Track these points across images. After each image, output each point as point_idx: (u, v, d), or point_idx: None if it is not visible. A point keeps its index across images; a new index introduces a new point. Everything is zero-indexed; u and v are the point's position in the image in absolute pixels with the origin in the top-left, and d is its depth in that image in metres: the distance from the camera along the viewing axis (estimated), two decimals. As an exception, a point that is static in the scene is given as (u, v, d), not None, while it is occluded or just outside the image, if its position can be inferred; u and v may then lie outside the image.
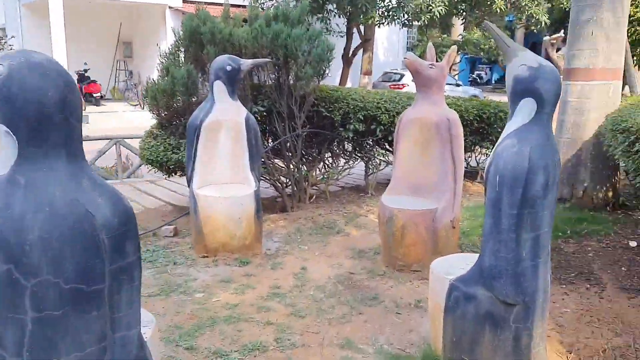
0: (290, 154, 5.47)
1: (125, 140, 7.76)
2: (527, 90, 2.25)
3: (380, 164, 6.48)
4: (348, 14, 15.17)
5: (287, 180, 5.66)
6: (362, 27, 16.93)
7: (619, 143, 3.53)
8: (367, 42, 17.52)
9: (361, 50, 17.78)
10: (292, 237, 4.60)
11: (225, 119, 4.01)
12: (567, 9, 27.05)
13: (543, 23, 14.67)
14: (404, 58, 3.72)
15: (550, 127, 2.30)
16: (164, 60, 5.05)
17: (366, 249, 4.35)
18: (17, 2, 19.59)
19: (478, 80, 38.37)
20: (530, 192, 2.21)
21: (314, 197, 5.94)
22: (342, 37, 17.07)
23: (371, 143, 6.33)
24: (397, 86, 18.15)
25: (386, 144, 6.44)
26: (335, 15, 15.98)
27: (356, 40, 17.34)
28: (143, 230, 4.55)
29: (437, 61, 3.89)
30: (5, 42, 21.32)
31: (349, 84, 19.35)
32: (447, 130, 3.68)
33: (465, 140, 7.03)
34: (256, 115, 5.24)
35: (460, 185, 3.72)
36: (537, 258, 2.29)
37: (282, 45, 4.94)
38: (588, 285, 3.57)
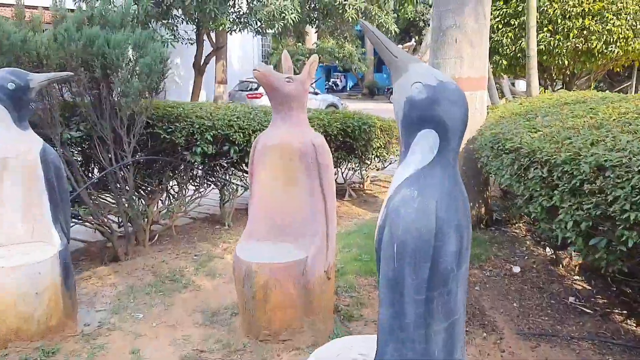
0: (120, 188, 4.38)
1: None
2: (425, 119, 1.56)
3: (237, 190, 5.62)
4: (196, 20, 14.07)
5: (120, 219, 4.56)
6: (213, 34, 15.92)
7: (506, 165, 3.06)
8: (219, 49, 16.54)
9: (214, 59, 16.75)
10: (122, 301, 3.54)
11: (9, 157, 2.86)
12: (412, 19, 28.51)
13: (393, 32, 14.90)
14: (254, 70, 2.91)
15: (457, 167, 1.63)
16: None
17: (222, 308, 3.46)
18: None
19: (334, 87, 39.25)
20: (441, 266, 1.52)
21: (157, 236, 4.89)
22: (192, 44, 15.91)
23: (225, 165, 5.44)
24: (254, 95, 17.41)
25: (243, 164, 5.59)
26: (183, 22, 14.79)
27: (208, 48, 16.29)
28: None
29: (295, 73, 3.14)
30: None
31: (202, 94, 18.22)
32: (314, 159, 2.93)
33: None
34: (70, 142, 4.10)
35: (333, 225, 3.00)
36: (453, 354, 1.61)
37: (99, 54, 3.86)
38: (485, 334, 3.05)
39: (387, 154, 7.04)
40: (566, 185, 2.35)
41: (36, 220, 2.99)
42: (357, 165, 6.86)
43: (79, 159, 4.54)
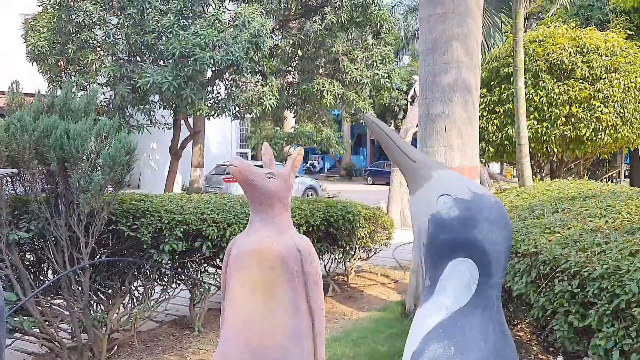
0: (74, 294, 3.83)
1: None
2: (457, 244, 1.16)
3: (209, 289, 5.07)
4: (174, 105, 13.98)
5: (72, 329, 3.97)
6: (190, 119, 15.81)
7: (519, 271, 2.67)
8: (196, 134, 16.39)
9: (191, 143, 16.55)
10: None
11: None
12: (387, 104, 29.20)
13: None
14: (229, 165, 2.53)
15: (501, 309, 1.21)
16: None
17: None
18: None
19: (312, 169, 39.46)
20: None
21: (116, 347, 4.27)
22: (169, 129, 15.75)
23: (198, 261, 4.93)
24: (231, 179, 17.10)
25: (217, 259, 5.09)
26: (160, 107, 14.68)
27: (185, 132, 16.12)
28: None
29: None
30: None
31: (178, 177, 17.84)
32: (299, 267, 2.49)
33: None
34: (19, 244, 3.59)
35: (322, 347, 2.51)
36: None
37: (56, 146, 3.46)
38: None
39: (372, 243, 6.63)
40: (606, 305, 1.95)
41: (-43, 348, 2.43)
42: (340, 256, 6.41)
43: (30, 259, 4.03)
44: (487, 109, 7.43)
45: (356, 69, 13.84)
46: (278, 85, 14.93)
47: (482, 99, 7.54)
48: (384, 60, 14.05)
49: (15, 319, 3.55)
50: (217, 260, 5.05)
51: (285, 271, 2.48)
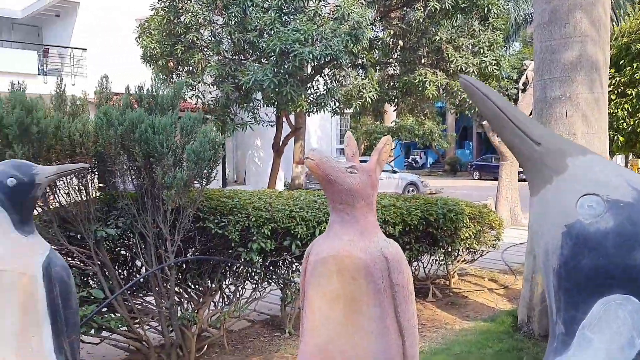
0: (161, 292, 3.74)
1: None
2: (614, 274, 0.73)
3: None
4: (275, 102, 14.07)
5: (159, 325, 3.89)
6: (292, 116, 15.89)
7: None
8: (298, 130, 16.45)
9: (293, 139, 16.66)
10: None
11: (3, 270, 2.29)
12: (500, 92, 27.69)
13: (477, 108, 14.07)
14: (306, 158, 2.21)
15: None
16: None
17: None
18: None
19: (414, 164, 38.49)
20: None
21: (206, 346, 4.16)
22: (272, 126, 15.94)
23: (290, 260, 4.72)
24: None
25: (309, 259, 4.83)
26: (262, 105, 14.89)
27: (287, 129, 16.24)
28: None
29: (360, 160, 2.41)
30: None
31: (281, 174, 18.08)
32: (386, 278, 2.12)
33: (410, 248, 5.63)
34: (107, 241, 3.55)
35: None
36: None
37: (141, 140, 3.37)
38: None
39: (477, 244, 6.04)
40: None
41: (32, 350, 2.35)
42: (441, 258, 5.90)
43: (124, 255, 4.02)
44: (616, 91, 6.48)
45: (461, 57, 13.03)
46: (378, 78, 14.54)
47: (610, 80, 6.61)
48: (492, 47, 13.10)
49: (104, 316, 3.52)
50: (309, 259, 4.80)
51: (370, 282, 2.11)
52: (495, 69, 13.10)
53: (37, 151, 3.10)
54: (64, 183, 3.35)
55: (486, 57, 12.96)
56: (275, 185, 16.53)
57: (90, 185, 3.45)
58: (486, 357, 3.98)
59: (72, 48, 16.51)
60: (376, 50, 14.91)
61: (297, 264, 4.86)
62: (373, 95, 13.46)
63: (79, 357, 2.52)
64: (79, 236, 3.52)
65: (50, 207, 3.38)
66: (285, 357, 4.09)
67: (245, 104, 14.56)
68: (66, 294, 2.43)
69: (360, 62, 14.62)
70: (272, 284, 4.74)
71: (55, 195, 3.40)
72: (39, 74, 15.40)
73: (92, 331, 3.43)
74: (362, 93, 13.55)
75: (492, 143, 9.63)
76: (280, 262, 4.71)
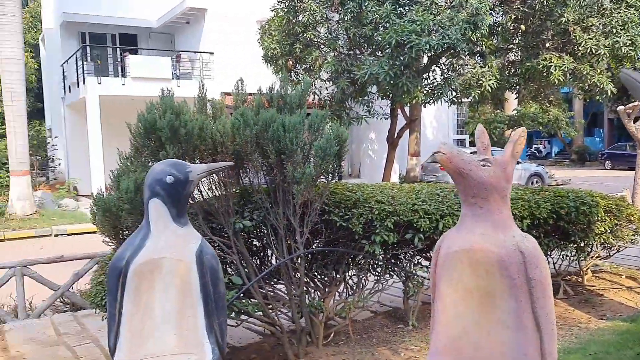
0: (291, 281, 3.98)
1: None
2: None
3: (423, 283, 4.86)
4: (390, 95, 14.08)
5: (292, 313, 4.14)
6: (407, 107, 15.78)
7: None
8: (413, 122, 16.32)
9: (407, 131, 16.55)
10: None
11: (164, 258, 2.61)
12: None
13: (609, 92, 12.94)
14: (436, 153, 2.26)
15: None
16: (124, 164, 3.78)
17: None
18: (62, 103, 19.90)
19: (537, 154, 36.35)
20: None
21: (333, 334, 4.35)
22: (386, 119, 15.97)
23: (411, 253, 4.77)
24: (449, 167, 16.60)
25: (430, 252, 4.85)
26: (377, 98, 14.97)
27: (402, 121, 16.18)
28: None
29: (492, 142, 2.40)
30: (49, 143, 21.62)
31: (395, 166, 18.04)
32: (522, 273, 2.11)
33: (539, 243, 5.37)
34: (243, 232, 3.85)
35: (550, 369, 2.09)
36: None
37: (274, 138, 3.61)
38: None
39: (613, 239, 5.63)
40: None
41: (189, 329, 2.66)
42: (573, 253, 5.58)
43: (257, 246, 4.33)
44: None
45: (590, 38, 12.10)
46: (498, 65, 13.95)
47: None
48: (626, 26, 11.99)
49: (241, 302, 3.83)
50: (430, 253, 4.81)
51: (505, 277, 2.12)
52: (630, 50, 11.99)
53: (185, 151, 3.46)
54: (207, 179, 3.69)
55: (619, 37, 11.91)
56: (390, 178, 16.54)
57: (229, 180, 3.76)
58: (625, 358, 3.74)
59: (200, 52, 17.77)
60: (496, 37, 14.31)
61: (419, 257, 4.90)
62: (493, 83, 12.96)
63: (225, 337, 2.79)
64: (219, 227, 3.86)
65: (196, 201, 3.74)
66: (410, 349, 4.15)
67: (360, 98, 14.74)
68: (215, 280, 2.71)
69: (478, 49, 14.14)
70: (394, 276, 4.82)
71: (200, 191, 3.76)
72: (172, 78, 16.77)
73: (233, 314, 3.74)
74: (481, 81, 13.10)
75: (627, 130, 8.84)
76: (402, 255, 4.78)
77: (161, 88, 3.74)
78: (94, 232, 12.22)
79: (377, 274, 4.69)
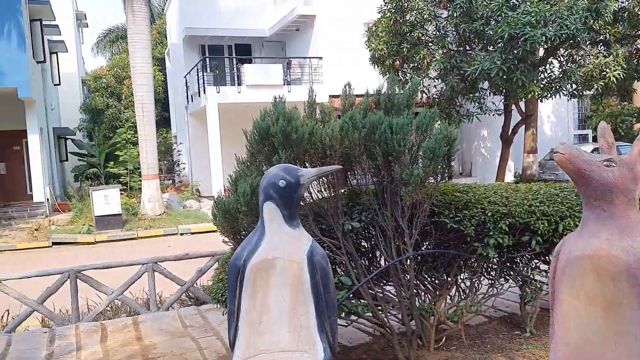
0: (401, 283, 3.96)
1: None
2: None
3: (541, 288, 4.60)
4: (504, 90, 13.46)
5: (401, 315, 4.12)
6: (522, 103, 15.00)
7: None
8: (529, 117, 15.46)
9: (523, 128, 15.71)
10: None
11: (278, 257, 2.73)
12: None
13: None
14: (555, 152, 2.14)
15: None
16: (241, 169, 4.01)
17: None
18: (185, 112, 21.44)
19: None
20: None
21: (444, 338, 4.27)
22: (499, 115, 15.30)
23: (528, 257, 4.55)
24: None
25: (549, 256, 4.58)
26: (489, 94, 14.39)
27: (516, 117, 15.39)
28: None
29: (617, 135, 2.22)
30: (175, 149, 23.37)
31: (510, 164, 17.21)
32: (651, 281, 1.94)
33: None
34: (352, 234, 3.91)
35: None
36: None
37: (381, 141, 3.63)
38: None
39: None
40: None
41: (301, 327, 2.76)
42: None
43: (365, 247, 4.37)
44: None
45: None
46: (625, 54, 12.80)
47: None
48: None
49: (351, 302, 3.89)
50: (549, 256, 4.54)
51: (634, 285, 1.96)
52: None
53: (296, 155, 3.59)
54: (317, 182, 3.80)
55: None
56: (504, 176, 15.79)
57: (337, 183, 3.84)
58: None
59: (310, 58, 18.25)
60: (621, 23, 13.13)
61: (537, 261, 4.65)
62: (619, 74, 11.93)
63: (336, 336, 2.86)
64: (328, 228, 3.95)
65: (306, 202, 3.87)
66: (528, 357, 3.96)
67: (471, 95, 14.27)
68: (326, 280, 2.79)
69: (601, 38, 13.08)
70: (510, 280, 4.61)
71: (310, 193, 3.88)
72: (283, 84, 17.40)
73: (343, 314, 3.81)
74: (604, 72, 12.12)
75: None
76: (518, 258, 4.57)
77: (274, 95, 3.91)
78: (214, 231, 13.07)
79: (491, 277, 4.53)
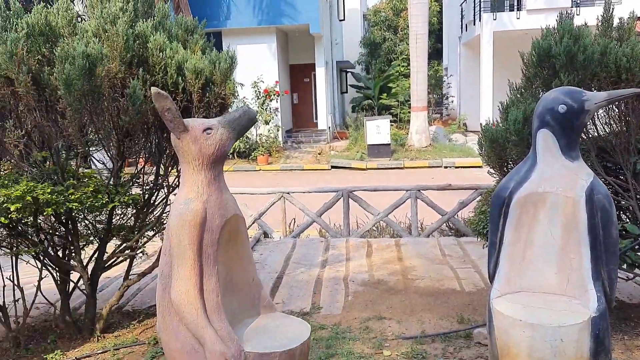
0: None
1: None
2: None
3: None
4: None
5: None
6: None
7: None
8: None
9: None
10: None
11: (550, 192, 2.44)
12: None
13: None
14: None
15: None
16: (514, 95, 3.70)
17: None
18: (458, 42, 20.90)
19: None
20: None
21: None
22: None
23: None
24: None
25: None
26: None
27: None
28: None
29: None
30: (445, 81, 23.19)
31: None
32: None
33: None
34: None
35: None
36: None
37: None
38: None
39: None
40: None
41: (572, 270, 2.47)
42: None
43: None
44: None
45: None
46: None
47: None
48: None
49: (638, 254, 3.33)
50: None
51: None
52: None
53: (581, 79, 3.12)
54: (604, 112, 3.27)
55: None
56: None
57: (632, 113, 3.23)
58: None
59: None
60: None
61: None
62: None
63: (615, 287, 2.48)
64: (615, 167, 3.40)
65: (589, 136, 3.38)
66: None
67: None
68: (606, 222, 2.42)
69: None
70: None
71: (594, 125, 3.36)
72: (572, 6, 15.36)
73: (625, 266, 3.31)
74: None
75: None
76: None
77: (559, 12, 3.42)
78: (479, 167, 12.71)
79: None
